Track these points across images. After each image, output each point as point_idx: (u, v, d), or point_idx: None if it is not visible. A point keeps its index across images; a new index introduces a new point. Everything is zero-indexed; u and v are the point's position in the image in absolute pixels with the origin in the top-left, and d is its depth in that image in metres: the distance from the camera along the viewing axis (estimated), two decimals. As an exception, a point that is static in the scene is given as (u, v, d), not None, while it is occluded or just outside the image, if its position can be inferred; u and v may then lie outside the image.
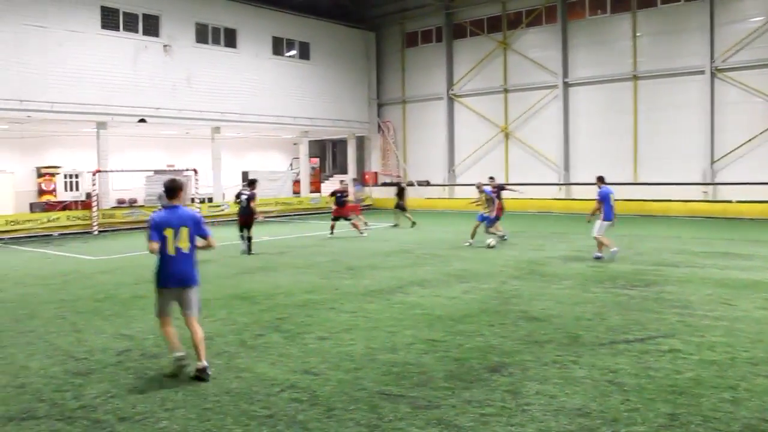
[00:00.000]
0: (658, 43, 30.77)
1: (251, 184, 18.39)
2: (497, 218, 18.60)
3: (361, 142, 41.66)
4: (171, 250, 6.82)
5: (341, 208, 21.54)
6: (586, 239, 18.91)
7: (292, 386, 6.40)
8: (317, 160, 43.45)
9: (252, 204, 17.65)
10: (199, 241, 7.04)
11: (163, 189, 7.12)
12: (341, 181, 23.38)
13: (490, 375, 6.61)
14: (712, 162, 29.26)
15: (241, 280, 13.20)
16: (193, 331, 6.90)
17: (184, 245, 6.87)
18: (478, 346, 7.69)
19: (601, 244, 15.12)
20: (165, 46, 29.52)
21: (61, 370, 7.15)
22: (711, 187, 29.21)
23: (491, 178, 21.17)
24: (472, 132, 37.07)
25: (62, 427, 5.53)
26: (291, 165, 42.19)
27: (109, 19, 27.71)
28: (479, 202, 18.43)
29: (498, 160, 35.95)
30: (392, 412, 5.65)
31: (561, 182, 33.45)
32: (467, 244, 18.24)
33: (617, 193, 29.81)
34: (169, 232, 6.80)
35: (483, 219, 18.17)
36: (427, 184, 38.63)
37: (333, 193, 21.88)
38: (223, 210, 31.19)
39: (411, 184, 38.95)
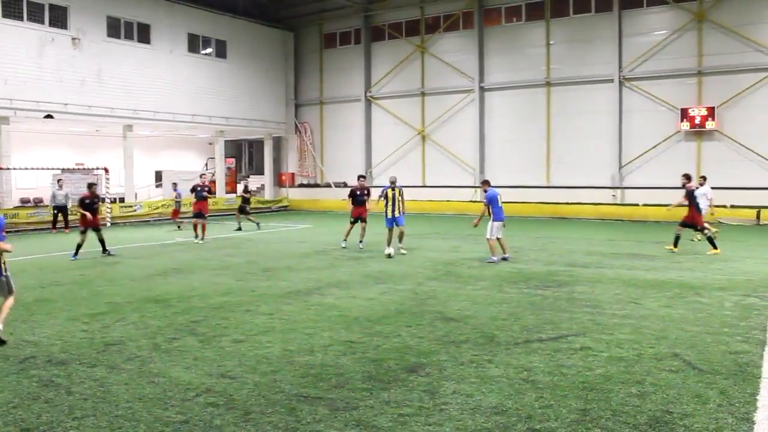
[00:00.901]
0: (571, 51, 31.82)
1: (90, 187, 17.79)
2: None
3: (278, 143, 41.30)
4: None
5: (360, 207, 18.50)
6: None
7: (207, 390, 6.25)
8: (233, 160, 42.82)
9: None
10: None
11: None
12: (360, 177, 19.65)
13: (407, 375, 6.65)
14: (620, 166, 30.44)
15: (154, 282, 12.84)
16: None
17: None
18: (396, 347, 7.73)
19: (494, 248, 15.24)
20: (74, 39, 28.41)
21: (-43, 378, 6.77)
22: (619, 190, 30.40)
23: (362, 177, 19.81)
24: (389, 134, 37.30)
25: (-41, 438, 5.23)
26: (206, 165, 41.43)
27: (12, 7, 26.42)
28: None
29: (415, 162, 36.33)
30: (310, 415, 5.60)
31: (476, 185, 34.05)
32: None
33: (531, 195, 30.98)
34: None
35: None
36: (344, 185, 38.60)
37: (352, 193, 18.65)
38: (135, 210, 30.31)
39: (328, 185, 38.91)
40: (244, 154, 45.89)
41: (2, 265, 8.41)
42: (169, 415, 5.64)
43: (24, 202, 30.50)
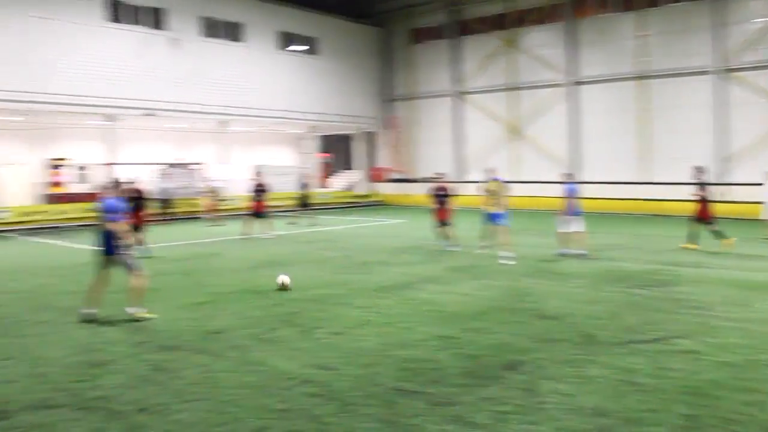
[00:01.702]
0: (665, 42, 30.67)
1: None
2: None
3: (369, 138, 41.63)
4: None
5: (441, 210, 17.27)
6: (597, 238, 18.86)
7: (307, 381, 6.41)
8: (326, 155, 43.44)
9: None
10: None
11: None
12: (437, 175, 18.73)
13: (505, 372, 6.60)
14: (723, 161, 29.15)
15: (253, 274, 13.22)
16: None
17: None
18: (493, 344, 7.68)
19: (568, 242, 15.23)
20: (172, 39, 29.52)
21: (78, 360, 7.20)
22: (721, 187, 29.09)
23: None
24: (479, 129, 37.04)
25: (82, 416, 5.56)
26: (300, 160, 42.12)
27: (117, 11, 27.77)
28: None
29: (505, 158, 35.89)
30: (408, 408, 5.65)
31: (562, 180, 33.31)
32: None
33: (626, 191, 30.06)
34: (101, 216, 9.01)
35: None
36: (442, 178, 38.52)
37: (435, 192, 17.67)
38: (232, 204, 31.17)
39: (419, 180, 38.94)
40: (337, 150, 46.45)
41: (120, 243, 9.10)
42: (271, 403, 5.82)
43: (128, 195, 31.84)
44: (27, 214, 24.90)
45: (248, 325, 8.71)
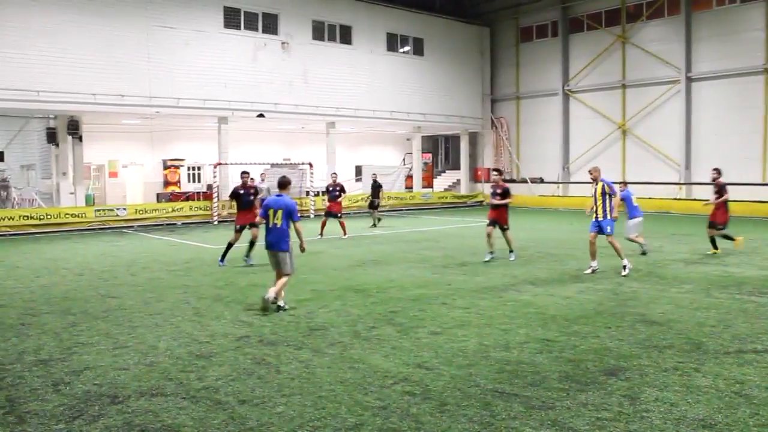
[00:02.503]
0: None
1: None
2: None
3: (473, 138, 41.39)
4: (271, 224, 9.57)
5: (494, 210, 15.24)
6: (708, 242, 17.99)
7: (405, 379, 6.45)
8: (430, 155, 43.50)
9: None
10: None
11: (277, 183, 9.92)
12: (494, 171, 17.05)
13: (606, 378, 6.42)
14: None
15: (355, 272, 13.43)
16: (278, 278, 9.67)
17: (279, 222, 9.53)
18: (594, 348, 7.49)
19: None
20: (283, 43, 30.38)
21: (185, 351, 7.54)
22: None
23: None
24: (587, 128, 36.09)
25: (188, 405, 5.82)
26: (404, 160, 42.46)
27: (231, 18, 28.85)
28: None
29: (615, 158, 34.85)
30: (505, 411, 5.59)
31: (681, 181, 32.01)
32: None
33: (744, 193, 28.53)
34: (272, 212, 9.57)
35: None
36: (541, 181, 37.95)
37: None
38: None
39: (524, 181, 38.40)
40: (441, 150, 46.51)
41: (290, 242, 9.63)
42: (368, 400, 5.88)
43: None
44: (143, 211, 26.25)
45: (348, 323, 8.86)
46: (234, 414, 5.61)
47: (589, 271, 13.01)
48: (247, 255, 14.65)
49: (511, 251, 14.88)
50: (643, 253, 15.36)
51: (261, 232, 10.83)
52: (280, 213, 9.56)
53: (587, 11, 36.18)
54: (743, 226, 23.22)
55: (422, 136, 38.77)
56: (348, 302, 10.25)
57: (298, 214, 9.72)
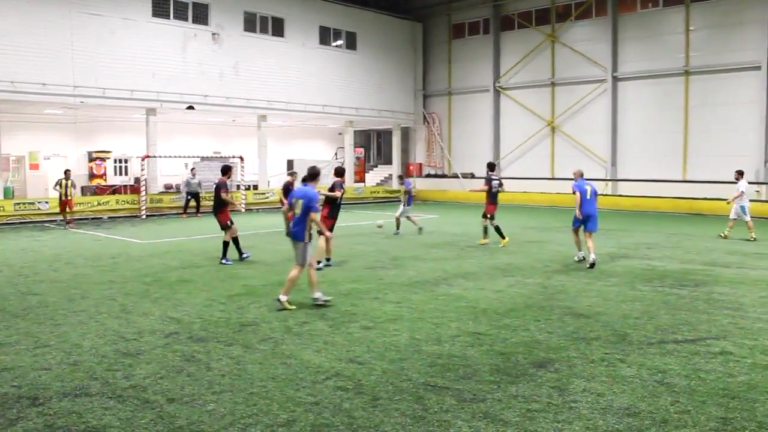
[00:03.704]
0: (713, 37, 30.04)
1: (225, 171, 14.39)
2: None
3: (406, 133, 41.58)
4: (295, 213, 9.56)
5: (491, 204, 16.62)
6: (633, 236, 18.75)
7: (337, 374, 6.43)
8: (362, 149, 43.51)
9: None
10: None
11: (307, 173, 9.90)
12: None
13: (536, 370, 6.55)
14: (766, 161, 28.50)
15: (286, 267, 13.21)
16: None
17: (299, 212, 9.47)
18: (524, 341, 7.63)
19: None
20: (213, 34, 29.84)
21: (112, 349, 7.32)
22: (764, 186, 28.47)
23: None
24: (517, 125, 36.73)
25: (114, 405, 5.65)
26: (336, 155, 42.36)
27: (160, 7, 28.13)
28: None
29: (544, 154, 35.59)
30: (438, 404, 5.64)
31: (608, 178, 32.94)
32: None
33: (666, 190, 29.57)
34: (294, 201, 9.58)
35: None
36: (472, 176, 38.41)
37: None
38: (268, 197, 31.49)
39: (455, 176, 38.81)
40: (373, 144, 46.57)
41: (307, 233, 9.50)
42: (301, 396, 5.84)
43: (167, 188, 32.36)
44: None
45: (280, 318, 8.77)
46: (162, 413, 5.47)
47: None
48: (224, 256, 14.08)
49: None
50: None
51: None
52: (300, 203, 9.49)
53: (518, 10, 36.76)
54: (661, 222, 24.10)
55: (354, 131, 38.73)
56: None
57: (317, 205, 9.61)
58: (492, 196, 16.48)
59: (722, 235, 18.63)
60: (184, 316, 8.94)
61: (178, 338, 7.79)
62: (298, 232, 9.49)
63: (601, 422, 5.24)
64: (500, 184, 16.93)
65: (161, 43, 28.00)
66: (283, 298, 9.37)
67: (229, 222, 14.03)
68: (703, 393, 5.89)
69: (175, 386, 6.10)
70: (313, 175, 9.87)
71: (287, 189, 15.31)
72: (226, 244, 14.03)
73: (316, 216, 9.59)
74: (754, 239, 17.94)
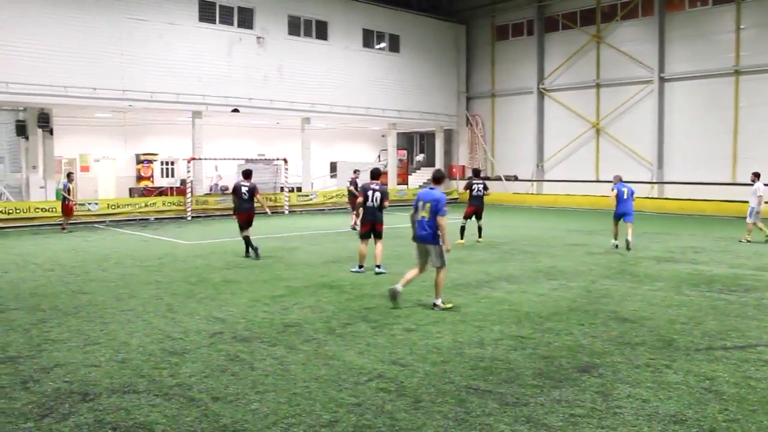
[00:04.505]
0: (763, 35, 29.30)
1: (247, 175, 15.53)
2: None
3: (448, 136, 41.46)
4: (419, 217, 9.62)
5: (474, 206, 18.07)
6: (679, 240, 18.40)
7: (379, 376, 6.45)
8: (405, 152, 43.53)
9: (257, 197, 15.13)
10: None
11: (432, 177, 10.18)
12: (474, 171, 19.50)
13: (579, 375, 6.48)
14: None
15: (329, 268, 13.39)
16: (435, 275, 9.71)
17: (426, 215, 9.51)
18: (567, 345, 7.55)
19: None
20: (258, 38, 30.20)
21: (158, 348, 7.45)
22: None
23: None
24: (561, 127, 36.36)
25: (160, 402, 5.76)
26: (379, 157, 42.44)
27: (206, 11, 28.59)
28: None
29: (588, 157, 35.15)
30: (480, 407, 5.61)
31: (654, 180, 32.38)
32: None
33: (714, 193, 28.92)
34: (421, 204, 9.61)
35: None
36: (515, 178, 38.16)
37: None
38: (311, 199, 31.72)
39: (498, 178, 38.57)
40: (416, 147, 46.55)
41: (440, 236, 9.56)
42: (343, 397, 5.87)
43: (213, 189, 32.84)
44: (115, 206, 25.96)
45: (323, 319, 8.83)
46: (207, 411, 5.56)
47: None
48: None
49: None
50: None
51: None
52: (428, 206, 9.52)
53: (563, 10, 36.41)
54: (710, 225, 23.59)
55: (397, 133, 38.79)
56: (322, 298, 10.22)
57: (445, 209, 9.56)
58: (472, 199, 17.97)
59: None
60: (228, 316, 9.06)
61: (223, 338, 7.91)
62: (428, 235, 9.54)
63: (646, 429, 5.16)
64: (485, 188, 18.15)
65: (207, 48, 28.46)
66: (438, 301, 9.49)
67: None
68: (753, 401, 5.76)
69: (219, 385, 6.19)
70: (438, 178, 10.07)
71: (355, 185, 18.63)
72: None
73: (443, 220, 9.50)
74: (748, 241, 18.01)
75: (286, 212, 29.43)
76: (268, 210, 16.53)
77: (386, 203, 12.71)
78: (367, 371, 6.60)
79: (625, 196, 16.26)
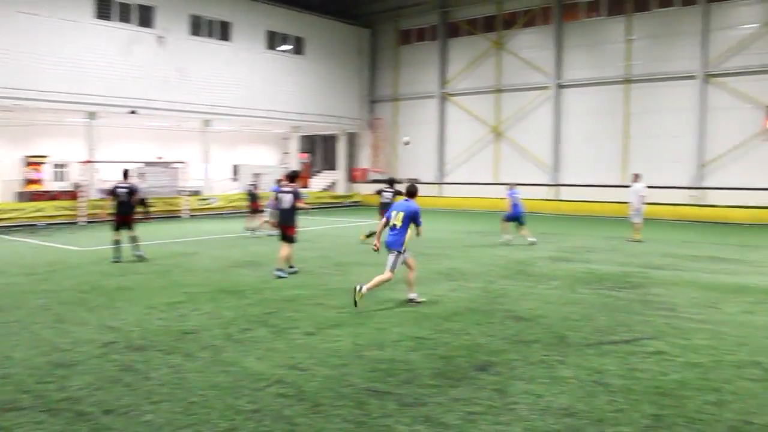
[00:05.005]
0: (652, 46, 30.95)
1: (126, 175, 15.62)
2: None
3: (352, 139, 41.60)
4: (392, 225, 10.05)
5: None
6: (574, 240, 19.12)
7: (278, 381, 6.37)
8: (307, 155, 43.33)
9: (134, 198, 14.97)
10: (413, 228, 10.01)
11: (406, 190, 10.43)
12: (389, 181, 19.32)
13: (477, 373, 6.61)
14: (701, 166, 29.43)
15: (229, 273, 13.15)
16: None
17: (398, 223, 9.95)
18: (465, 345, 7.69)
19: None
20: (159, 37, 29.38)
21: (45, 361, 7.08)
22: (700, 191, 29.38)
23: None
24: (463, 131, 37.13)
25: (46, 418, 5.47)
26: (281, 160, 42.06)
27: (104, 8, 27.59)
28: None
29: (488, 160, 36.04)
30: (379, 409, 5.64)
31: (551, 183, 33.52)
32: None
33: (607, 195, 30.23)
34: (394, 214, 10.05)
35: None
36: (417, 182, 38.61)
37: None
38: (212, 203, 31.10)
39: (401, 182, 38.90)
40: (319, 149, 46.41)
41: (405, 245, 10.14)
42: (241, 404, 5.77)
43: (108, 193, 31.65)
44: (1, 211, 24.60)
45: (221, 325, 8.65)
46: (98, 425, 5.33)
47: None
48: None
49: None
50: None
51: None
52: (401, 215, 9.98)
53: (465, 17, 37.21)
54: (601, 225, 24.64)
55: (300, 136, 38.59)
56: (221, 304, 10.01)
57: (420, 220, 10.12)
58: (382, 206, 18.03)
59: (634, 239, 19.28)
60: (122, 324, 8.74)
61: (116, 348, 7.61)
62: (395, 242, 9.96)
63: (540, 423, 5.32)
64: (394, 194, 18.25)
65: (104, 46, 27.45)
66: (364, 289, 9.77)
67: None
68: (637, 392, 6.04)
69: (111, 397, 5.95)
70: (412, 192, 10.37)
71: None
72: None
73: (420, 229, 10.15)
74: (636, 240, 18.96)
75: (186, 216, 28.72)
76: (146, 215, 16.17)
77: (300, 204, 12.69)
78: (266, 377, 6.51)
79: (518, 202, 18.36)
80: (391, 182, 18.89)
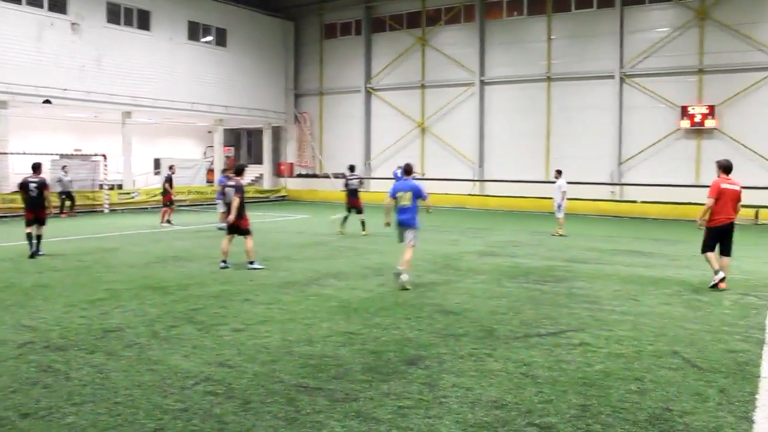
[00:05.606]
0: (571, 46, 31.80)
1: (36, 169, 15.13)
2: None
3: (277, 133, 41.19)
4: (400, 204, 11.07)
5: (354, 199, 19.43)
6: (500, 235, 19.46)
7: (207, 379, 6.24)
8: (232, 148, 42.69)
9: (46, 193, 14.68)
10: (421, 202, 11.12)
11: (402, 168, 11.50)
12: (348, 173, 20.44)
13: (407, 368, 6.63)
14: (620, 163, 30.45)
15: (153, 269, 12.83)
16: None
17: (408, 203, 11.00)
18: (395, 339, 7.72)
19: None
20: (73, 24, 28.31)
21: (-44, 363, 6.75)
22: (618, 187, 30.40)
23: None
24: (388, 126, 37.27)
25: (-43, 424, 5.20)
26: (205, 153, 41.33)
27: (13, -9, 26.37)
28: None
29: (414, 155, 36.25)
30: (310, 405, 5.59)
31: (476, 178, 34.04)
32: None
33: (530, 190, 30.94)
34: (401, 194, 11.06)
35: None
36: (343, 176, 38.52)
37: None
38: (133, 197, 30.27)
39: (326, 176, 38.83)
40: (243, 143, 45.78)
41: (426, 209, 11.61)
42: (168, 403, 5.62)
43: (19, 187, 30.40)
44: None
45: (146, 323, 8.41)
46: (14, 430, 5.09)
47: None
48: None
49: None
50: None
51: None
52: (409, 195, 10.95)
53: (389, 12, 37.32)
54: (530, 220, 25.20)
55: (224, 129, 37.96)
56: (146, 301, 9.74)
57: (425, 194, 11.17)
58: (350, 193, 19.13)
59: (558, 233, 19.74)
60: (40, 323, 8.39)
61: (34, 348, 7.30)
62: (411, 218, 11.03)
63: (470, 416, 5.37)
64: (360, 183, 19.64)
65: (11, 31, 26.20)
66: (405, 276, 10.76)
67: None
68: (564, 382, 6.18)
69: (29, 400, 5.70)
70: (408, 171, 11.36)
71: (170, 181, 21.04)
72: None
73: (427, 200, 11.36)
74: (560, 235, 19.46)
75: (106, 211, 27.86)
76: (51, 210, 15.38)
77: (238, 197, 12.89)
78: (194, 375, 6.36)
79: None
80: (352, 168, 19.65)
